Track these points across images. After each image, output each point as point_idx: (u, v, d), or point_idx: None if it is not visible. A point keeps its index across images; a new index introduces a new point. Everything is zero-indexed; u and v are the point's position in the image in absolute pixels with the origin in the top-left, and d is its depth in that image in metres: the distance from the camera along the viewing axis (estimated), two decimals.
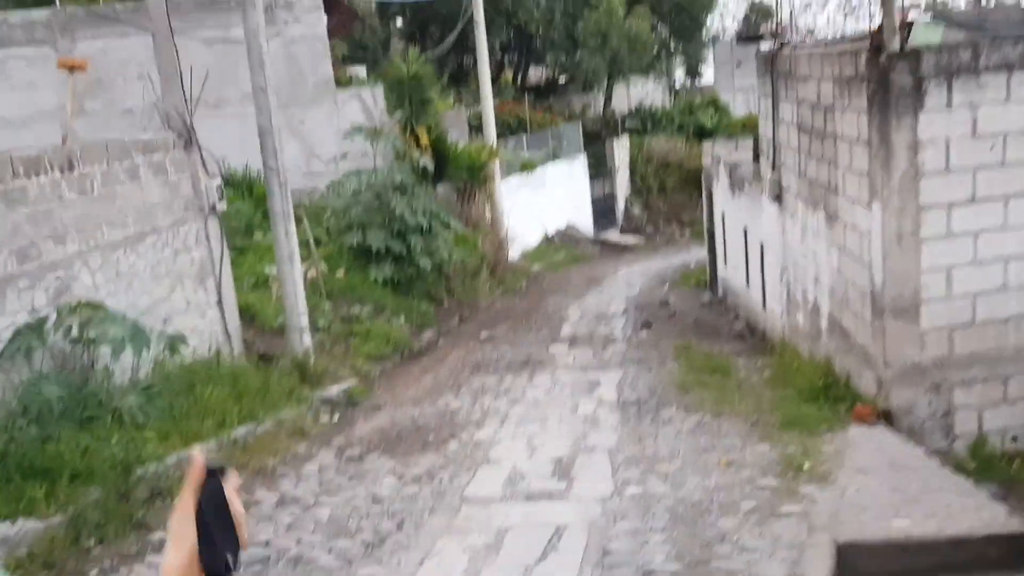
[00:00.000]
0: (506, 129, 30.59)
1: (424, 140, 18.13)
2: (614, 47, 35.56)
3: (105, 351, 8.82)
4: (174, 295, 10.99)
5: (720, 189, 17.60)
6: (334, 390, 11.78)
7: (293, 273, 11.78)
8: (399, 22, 35.01)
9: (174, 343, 10.08)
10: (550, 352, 15.02)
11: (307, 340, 12.00)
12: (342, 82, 23.26)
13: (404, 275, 16.80)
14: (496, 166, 22.87)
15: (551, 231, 28.22)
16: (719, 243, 18.34)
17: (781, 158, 12.25)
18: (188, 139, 11.64)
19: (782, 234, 12.55)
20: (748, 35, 57.10)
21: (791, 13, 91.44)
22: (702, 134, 37.88)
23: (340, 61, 24.89)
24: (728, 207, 16.79)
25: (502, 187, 23.98)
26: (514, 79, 40.47)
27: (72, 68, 15.32)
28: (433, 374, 13.52)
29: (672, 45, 42.11)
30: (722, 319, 16.70)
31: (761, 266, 14.00)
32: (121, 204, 10.27)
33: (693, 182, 33.37)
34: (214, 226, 11.83)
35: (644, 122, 38.37)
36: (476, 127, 25.12)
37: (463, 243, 19.79)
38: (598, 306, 19.40)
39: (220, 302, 11.87)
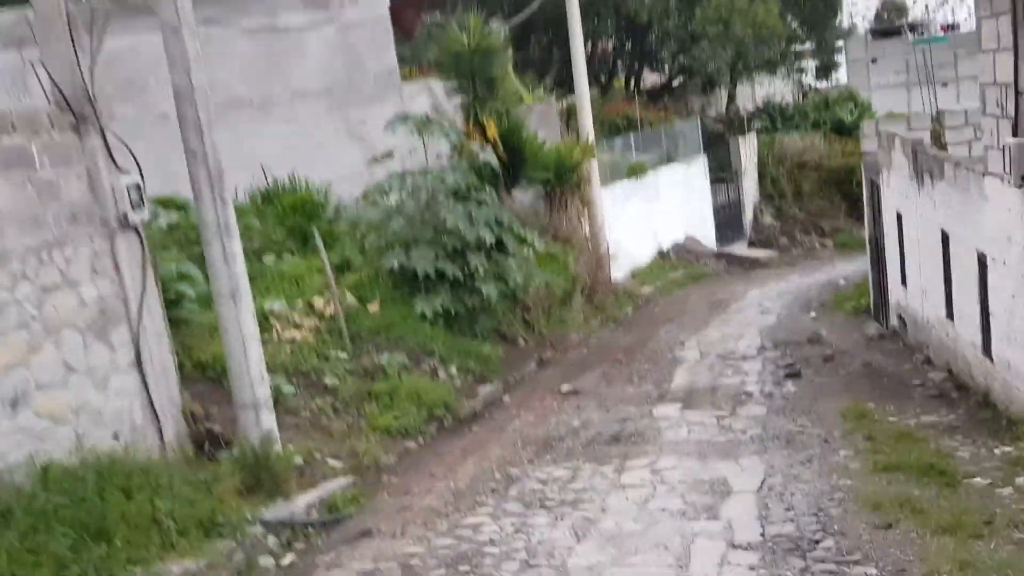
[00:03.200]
0: (613, 130, 25.68)
1: (491, 131, 13.51)
2: (738, 37, 30.09)
3: None
4: (39, 358, 6.65)
5: (894, 181, 12.26)
6: (303, 501, 7.20)
7: (239, 317, 7.28)
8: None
9: None
10: (654, 417, 10.08)
11: (266, 421, 7.46)
12: (410, 75, 18.95)
13: (462, 307, 12.17)
14: (594, 168, 18.03)
15: (666, 245, 23.15)
16: (891, 256, 12.97)
17: None
18: (82, 117, 7.33)
19: None
20: (884, 30, 50.46)
21: (927, 7, 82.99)
22: (840, 131, 31.97)
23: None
24: (909, 205, 11.46)
25: (604, 194, 19.11)
26: (627, 84, 35.39)
27: None
28: (477, 459, 8.79)
29: (802, 36, 36.15)
30: (904, 364, 11.34)
31: (982, 290, 8.71)
32: None
33: (835, 184, 27.71)
34: (129, 247, 7.48)
35: (773, 119, 32.65)
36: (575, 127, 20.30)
37: (549, 263, 15.04)
38: (724, 341, 14.27)
39: (139, 363, 7.49)
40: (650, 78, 37.18)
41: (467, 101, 13.73)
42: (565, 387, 11.66)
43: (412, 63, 21.97)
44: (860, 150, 29.93)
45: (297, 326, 10.54)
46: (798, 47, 36.60)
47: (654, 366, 12.86)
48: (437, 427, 9.68)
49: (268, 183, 15.78)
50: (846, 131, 31.88)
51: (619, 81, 34.83)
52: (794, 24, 34.15)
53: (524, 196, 15.94)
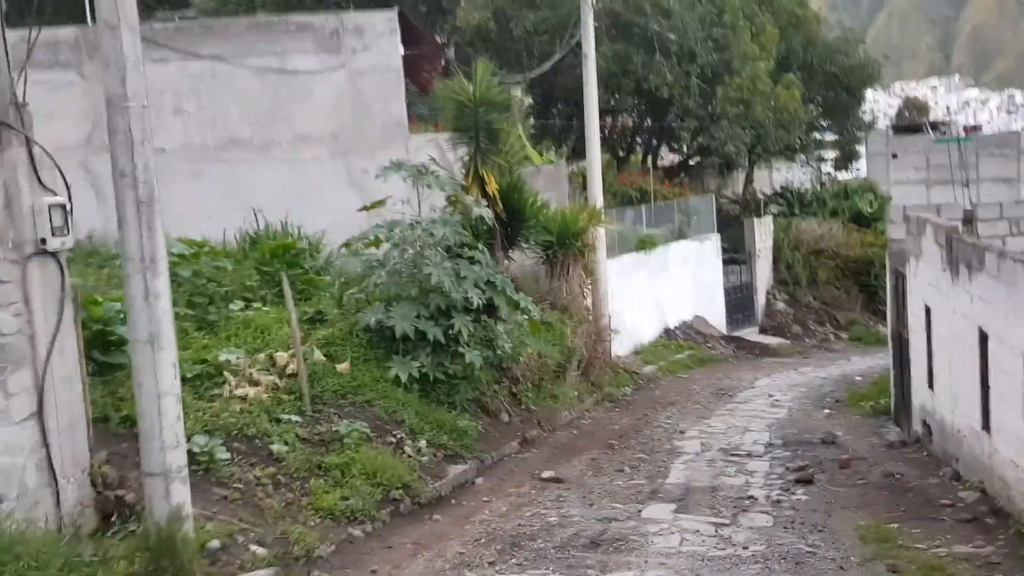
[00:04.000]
0: (625, 201, 24.64)
1: (491, 186, 12.39)
2: (758, 118, 29.25)
3: None
4: None
5: (923, 272, 11.02)
6: None
7: (156, 367, 6.01)
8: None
9: None
10: (644, 519, 8.69)
11: (177, 494, 6.14)
12: (424, 131, 18.00)
13: (442, 373, 10.88)
14: (601, 236, 16.87)
15: (672, 323, 21.87)
16: (916, 353, 11.65)
17: None
18: (3, 125, 6.21)
19: None
20: (906, 126, 49.85)
21: (948, 109, 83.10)
22: (859, 221, 30.89)
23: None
24: (940, 298, 10.19)
25: (610, 265, 17.93)
26: (644, 160, 34.51)
27: None
28: (430, 556, 7.42)
29: (823, 125, 35.31)
30: (929, 477, 9.94)
31: None
32: None
33: (852, 275, 26.51)
34: (44, 277, 6.28)
35: (790, 204, 31.59)
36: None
37: (543, 331, 13.75)
38: (728, 434, 12.89)
39: (40, 413, 6.23)
40: (668, 157, 36.35)
41: (468, 153, 12.62)
42: (547, 473, 10.29)
43: (430, 120, 21.10)
44: (879, 241, 28.96)
45: (253, 382, 9.27)
46: (819, 136, 35.78)
47: (649, 456, 11.48)
48: (392, 512, 8.31)
49: (259, 226, 14.73)
50: (865, 222, 30.82)
51: (636, 157, 33.96)
52: (816, 112, 33.32)
53: (523, 259, 14.76)
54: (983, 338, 8.61)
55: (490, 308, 11.87)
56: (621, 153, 32.89)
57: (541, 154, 18.65)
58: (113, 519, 6.44)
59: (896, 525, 8.26)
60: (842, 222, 29.69)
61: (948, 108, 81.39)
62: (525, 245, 13.95)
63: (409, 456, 9.39)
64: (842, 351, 23.41)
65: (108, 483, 6.54)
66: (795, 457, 11.32)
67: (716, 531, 8.38)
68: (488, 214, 11.48)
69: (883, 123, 50.69)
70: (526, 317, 12.57)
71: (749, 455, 11.54)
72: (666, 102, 29.47)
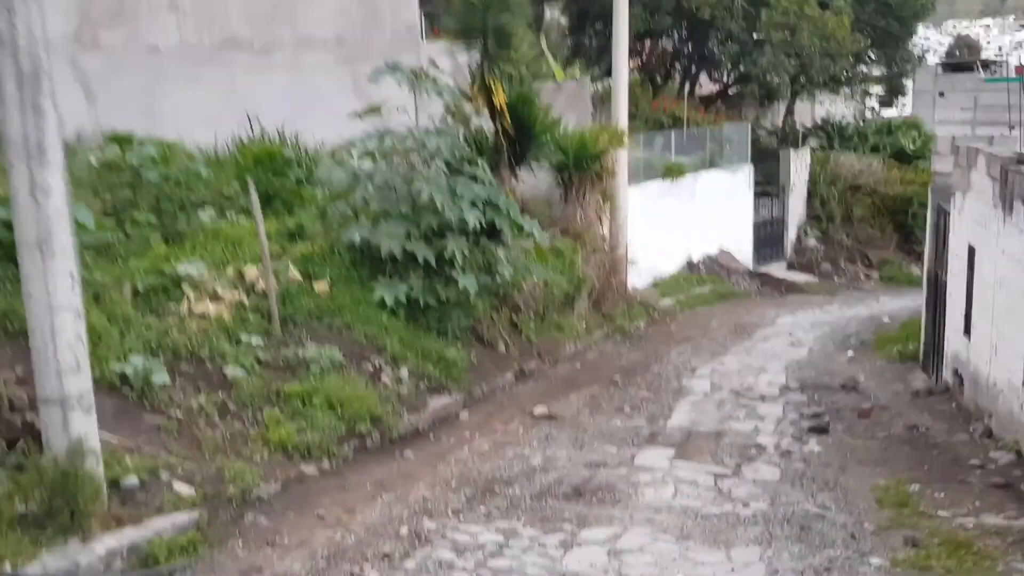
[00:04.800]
0: (656, 126, 23.21)
1: (499, 98, 11.16)
2: (804, 46, 27.37)
3: None
4: None
5: (969, 208, 9.72)
6: (106, 545, 5.00)
7: (46, 277, 5.05)
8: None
9: None
10: (635, 466, 7.74)
11: (78, 425, 5.23)
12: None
13: (434, 299, 9.88)
14: (622, 160, 15.58)
15: (696, 256, 20.61)
16: (953, 297, 10.43)
17: None
18: None
19: None
20: (956, 64, 47.24)
21: (1000, 49, 79.14)
22: (901, 158, 29.06)
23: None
24: (987, 238, 8.93)
25: (632, 192, 16.67)
26: (680, 87, 32.69)
27: None
28: (390, 499, 6.53)
29: (872, 57, 33.11)
30: (958, 433, 8.82)
31: None
32: None
33: (889, 213, 24.91)
34: None
35: (830, 138, 29.80)
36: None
37: (552, 259, 12.72)
38: (742, 374, 11.82)
39: None
40: (707, 87, 34.49)
41: (475, 61, 11.38)
42: (539, 409, 9.34)
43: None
44: (920, 179, 27.18)
45: (215, 298, 8.36)
46: (865, 69, 33.64)
47: (654, 395, 10.47)
48: (357, 447, 7.41)
49: (254, 133, 13.70)
50: (907, 159, 28.99)
51: (673, 85, 32.19)
52: (865, 43, 31.17)
53: (535, 181, 13.59)
54: None
55: (492, 231, 10.79)
56: (659, 80, 31.21)
57: (564, 70, 17.26)
58: (20, 446, 5.60)
59: (918, 487, 7.21)
60: (883, 158, 27.91)
61: (1000, 49, 77.42)
62: (536, 165, 12.75)
63: (386, 386, 8.47)
64: (872, 291, 22.03)
65: (15, 405, 5.67)
66: (811, 403, 10.25)
67: (715, 483, 7.41)
68: (488, 126, 10.29)
69: (932, 61, 48.13)
70: (534, 242, 11.50)
71: (762, 398, 10.49)
72: (707, 24, 27.68)
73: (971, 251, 9.56)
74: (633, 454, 8.07)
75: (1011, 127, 35.62)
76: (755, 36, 27.72)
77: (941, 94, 42.81)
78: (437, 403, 8.85)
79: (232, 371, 7.44)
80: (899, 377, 11.63)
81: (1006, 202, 8.27)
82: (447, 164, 10.61)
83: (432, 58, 13.06)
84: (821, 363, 12.79)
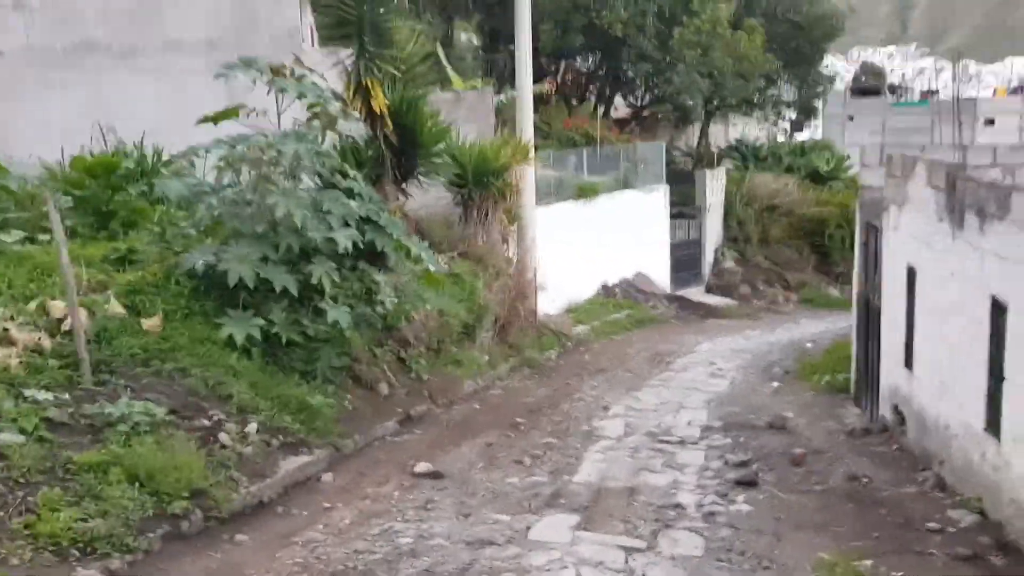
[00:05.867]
0: (569, 145, 21.92)
1: (378, 101, 9.57)
2: (717, 65, 26.56)
3: None
4: None
5: (907, 223, 8.49)
6: None
7: None
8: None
9: None
10: (529, 542, 6.16)
11: None
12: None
13: (298, 335, 8.19)
14: (530, 177, 14.16)
15: (612, 280, 19.31)
16: (890, 323, 9.18)
17: None
18: None
19: None
20: (863, 88, 47.73)
21: (904, 76, 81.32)
22: (815, 179, 28.49)
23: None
24: (930, 257, 7.68)
25: (542, 212, 15.26)
26: (595, 110, 31.63)
27: None
28: None
29: (784, 76, 32.58)
30: (906, 484, 7.47)
31: None
32: None
33: (806, 234, 24.10)
34: None
35: (745, 159, 29.08)
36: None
37: (449, 285, 11.14)
38: (659, 412, 10.38)
39: None
40: (623, 110, 33.54)
41: (352, 61, 9.76)
42: (422, 466, 7.69)
43: None
44: (834, 200, 26.51)
45: (6, 340, 6.52)
46: (778, 91, 33.14)
47: (560, 441, 8.93)
48: (167, 534, 5.62)
49: (106, 145, 11.79)
50: (821, 180, 28.49)
51: (589, 106, 31.13)
52: (777, 63, 30.58)
53: (429, 197, 12.03)
54: (998, 310, 6.10)
55: (373, 254, 9.17)
56: (574, 102, 30.14)
57: (464, 81, 15.80)
58: None
59: (870, 563, 5.79)
60: (798, 179, 27.25)
61: (904, 75, 79.35)
62: (428, 180, 11.18)
63: (224, 447, 6.71)
64: (791, 314, 21.05)
65: None
66: (736, 446, 8.84)
67: (626, 562, 5.89)
68: (360, 131, 8.70)
69: (840, 86, 48.59)
70: (431, 266, 9.90)
71: (681, 442, 9.05)
72: (620, 42, 26.64)
73: (911, 272, 8.31)
74: (529, 525, 6.48)
75: (921, 149, 35.24)
76: (668, 55, 26.80)
77: (851, 118, 43.12)
78: (292, 464, 7.12)
79: (5, 437, 5.62)
80: (830, 412, 10.34)
81: (955, 215, 7.00)
82: (319, 176, 9.00)
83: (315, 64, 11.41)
84: (745, 396, 11.45)
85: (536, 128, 17.74)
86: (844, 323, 18.26)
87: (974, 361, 6.53)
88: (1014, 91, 48.40)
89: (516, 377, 12.04)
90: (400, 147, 10.04)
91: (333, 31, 9.76)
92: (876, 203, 9.89)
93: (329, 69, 11.63)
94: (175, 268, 7.97)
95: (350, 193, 9.00)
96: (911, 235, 8.29)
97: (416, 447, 8.38)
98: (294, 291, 8.08)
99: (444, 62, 15.88)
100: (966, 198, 6.67)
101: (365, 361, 9.21)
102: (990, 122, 40.37)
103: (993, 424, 6.24)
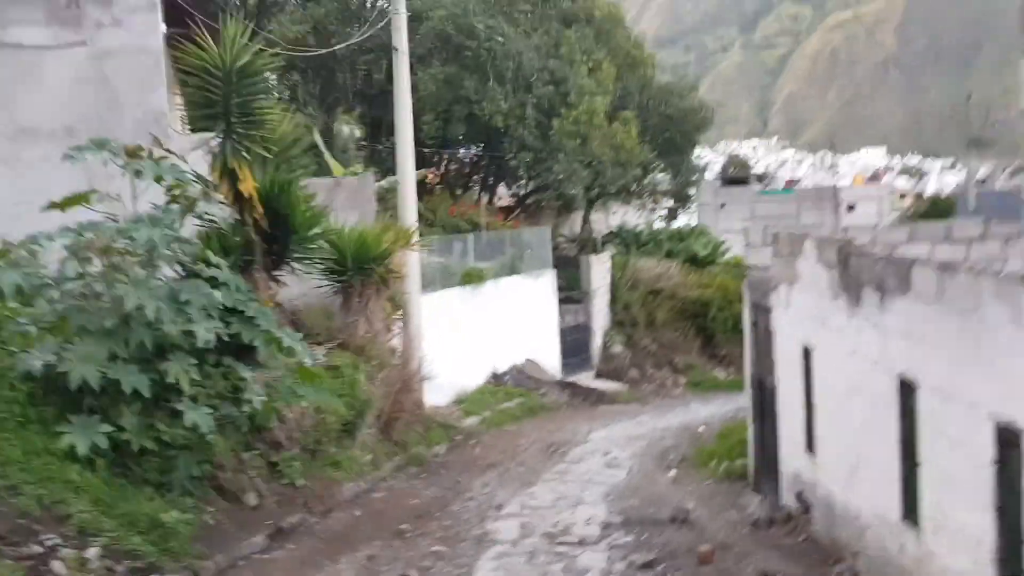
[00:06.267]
0: (454, 231, 21.53)
1: (247, 184, 8.85)
2: (595, 154, 26.95)
3: None
4: None
5: (799, 302, 8.28)
6: None
7: None
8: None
9: None
10: None
11: None
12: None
13: (153, 441, 7.20)
14: (414, 263, 13.58)
15: (502, 368, 18.75)
16: (787, 407, 8.88)
17: None
18: None
19: None
20: (732, 178, 50.11)
21: (767, 167, 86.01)
22: (695, 263, 29.08)
23: None
24: (829, 337, 7.42)
25: (427, 300, 14.66)
26: (479, 199, 31.62)
27: None
28: None
29: (659, 165, 33.51)
30: None
31: (1002, 488, 4.51)
32: None
33: (690, 317, 24.28)
34: None
35: (627, 244, 29.46)
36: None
37: (328, 379, 10.29)
38: (557, 509, 9.70)
39: None
40: (508, 200, 33.70)
41: (218, 142, 9.03)
42: None
43: None
44: (715, 283, 27.06)
45: None
46: (654, 180, 34.00)
47: (450, 549, 8.11)
48: None
49: None
50: (700, 264, 29.12)
51: (472, 195, 31.08)
52: (651, 153, 31.38)
53: (306, 286, 11.24)
54: (905, 390, 5.78)
55: (241, 348, 8.31)
56: (459, 192, 30.04)
57: (345, 168, 15.24)
58: None
59: None
60: (679, 263, 27.71)
61: (768, 166, 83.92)
62: (302, 268, 10.41)
63: None
64: (681, 397, 20.93)
65: None
66: (640, 545, 8.24)
67: None
68: (221, 213, 7.94)
69: (710, 176, 50.89)
70: (308, 359, 9.05)
71: (581, 542, 8.37)
72: (501, 133, 26.76)
73: (806, 352, 8.04)
74: None
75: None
76: (548, 145, 27.06)
77: (722, 205, 44.93)
78: None
79: None
80: (731, 502, 9.91)
81: (851, 292, 6.76)
82: (181, 265, 8.16)
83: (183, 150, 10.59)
84: (643, 487, 10.92)
85: (421, 216, 17.31)
86: (732, 405, 18.24)
87: (885, 445, 6.19)
88: (870, 179, 51.59)
89: (402, 477, 11.16)
90: (271, 233, 9.28)
91: (199, 112, 9.02)
92: (764, 283, 9.72)
93: (197, 153, 10.89)
94: (9, 370, 6.89)
95: (214, 282, 8.17)
96: (804, 314, 8.06)
97: (287, 565, 7.42)
98: (147, 392, 7.14)
99: (323, 149, 15.27)
100: (862, 274, 6.44)
101: (230, 468, 8.21)
102: (851, 208, 42.80)
103: (911, 513, 5.86)
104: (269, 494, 8.47)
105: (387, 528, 8.69)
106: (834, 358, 7.26)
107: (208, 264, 8.18)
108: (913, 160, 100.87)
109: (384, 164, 26.72)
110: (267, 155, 9.05)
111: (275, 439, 9.02)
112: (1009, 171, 37.40)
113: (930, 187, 64.28)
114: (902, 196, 52.67)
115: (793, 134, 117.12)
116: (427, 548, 8.08)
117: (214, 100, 8.77)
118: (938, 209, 38.36)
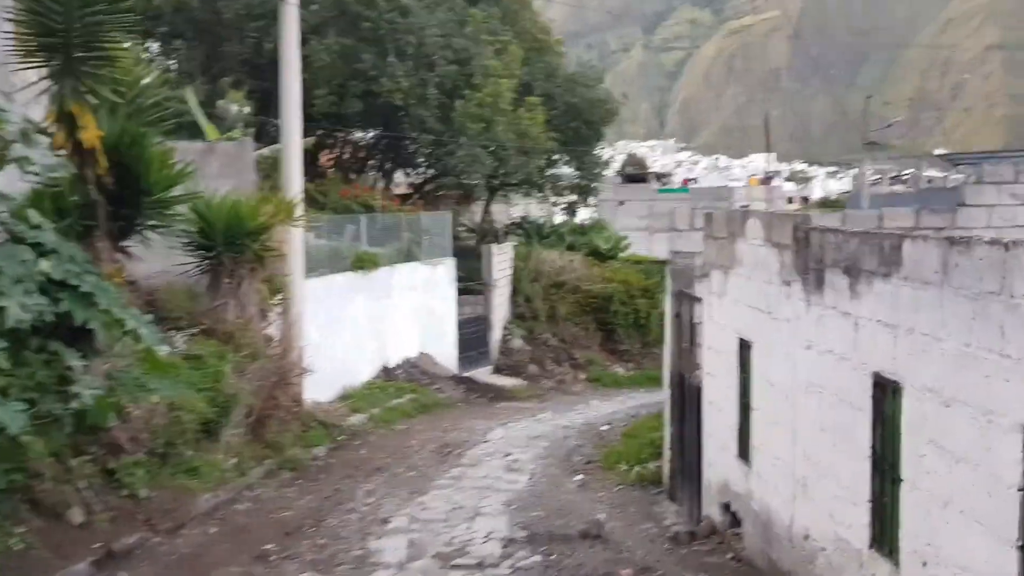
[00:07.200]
0: (347, 212, 19.92)
1: (89, 133, 7.21)
2: (499, 139, 25.73)
3: None
4: None
5: (737, 290, 7.24)
6: None
7: None
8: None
9: None
10: None
11: None
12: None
13: None
14: (296, 242, 12.02)
15: (394, 361, 17.32)
16: (717, 409, 7.84)
17: None
18: None
19: None
20: (631, 175, 49.99)
21: (664, 167, 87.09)
22: (597, 257, 28.28)
23: None
24: (776, 329, 6.38)
25: (312, 284, 13.13)
26: (374, 184, 29.97)
27: None
28: None
29: (564, 156, 32.64)
30: None
31: None
32: None
33: (592, 310, 23.36)
34: None
35: (529, 236, 28.42)
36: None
37: (186, 370, 8.71)
38: (451, 522, 8.42)
39: None
40: (405, 187, 32.16)
41: (53, 81, 7.34)
42: None
43: None
44: (617, 277, 26.31)
45: None
46: (557, 172, 33.11)
47: (323, 575, 6.72)
48: None
49: None
50: (602, 258, 28.37)
51: (368, 179, 29.44)
52: (557, 143, 30.43)
53: (169, 263, 9.60)
54: (886, 392, 4.74)
55: (74, 331, 6.70)
56: (353, 177, 28.34)
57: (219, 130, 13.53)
58: None
59: None
60: (582, 256, 26.84)
61: (664, 166, 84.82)
62: (159, 239, 8.78)
63: None
64: (581, 394, 19.95)
65: None
66: (548, 567, 7.06)
67: None
68: (48, 162, 6.29)
69: (610, 174, 50.72)
70: (160, 347, 7.46)
71: (480, 565, 7.14)
72: (400, 114, 25.23)
73: (744, 346, 6.99)
74: None
75: (680, 231, 36.43)
76: (450, 128, 25.72)
77: (621, 203, 44.63)
78: None
79: None
80: (646, 512, 8.86)
81: (810, 276, 5.71)
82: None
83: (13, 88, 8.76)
84: (548, 494, 9.76)
85: (310, 198, 15.72)
86: (633, 403, 17.39)
87: (850, 456, 5.17)
88: (764, 181, 52.31)
89: (272, 484, 9.65)
90: (119, 193, 7.64)
91: (34, 42, 7.28)
92: (687, 270, 8.68)
93: (31, 94, 9.08)
94: None
95: (40, 249, 6.55)
96: (744, 303, 7.02)
97: None
98: None
99: (195, 109, 13.51)
100: (827, 254, 5.39)
101: (51, 477, 6.62)
102: (745, 207, 43.25)
103: (884, 540, 4.83)
104: (101, 509, 6.92)
105: (247, 549, 7.24)
106: (782, 353, 6.23)
107: (31, 226, 6.55)
108: (799, 166, 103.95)
109: (271, 137, 24.89)
110: (118, 100, 7.39)
111: (114, 441, 7.45)
112: (890, 177, 38.27)
113: (815, 192, 65.97)
114: (790, 200, 53.65)
115: (688, 136, 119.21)
116: (295, 575, 6.66)
117: (53, 29, 7.07)
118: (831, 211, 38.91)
